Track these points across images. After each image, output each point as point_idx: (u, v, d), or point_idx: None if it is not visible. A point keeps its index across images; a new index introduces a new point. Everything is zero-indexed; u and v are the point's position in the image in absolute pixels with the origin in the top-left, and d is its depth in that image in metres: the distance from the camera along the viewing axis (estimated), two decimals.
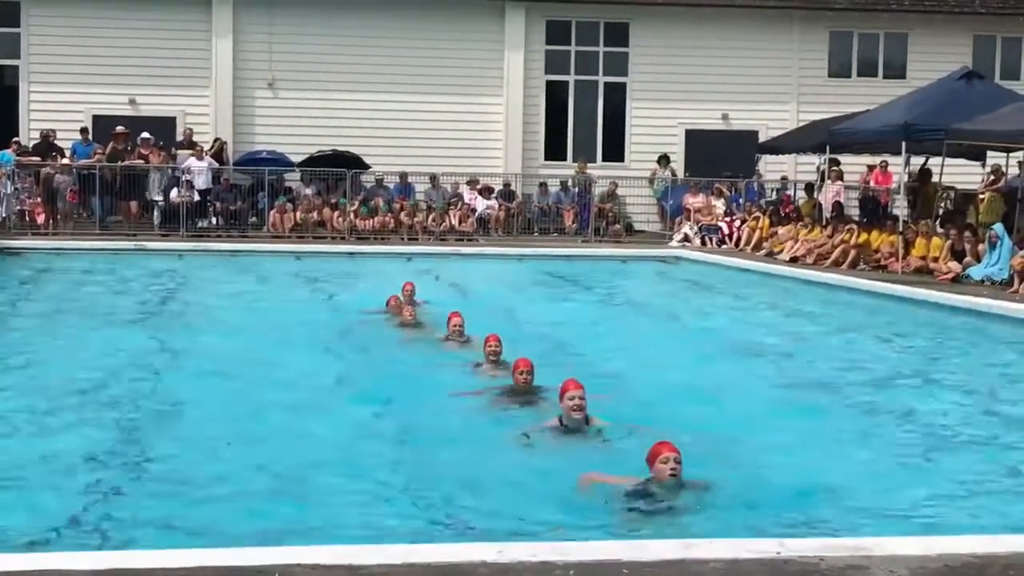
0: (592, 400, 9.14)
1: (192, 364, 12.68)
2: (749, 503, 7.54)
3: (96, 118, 28.34)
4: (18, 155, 26.53)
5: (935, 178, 24.74)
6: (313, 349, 13.71)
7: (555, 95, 30.92)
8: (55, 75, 28.52)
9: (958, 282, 19.97)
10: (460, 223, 27.91)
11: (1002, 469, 8.85)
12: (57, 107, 28.33)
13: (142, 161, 27.05)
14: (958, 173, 25.66)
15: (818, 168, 28.03)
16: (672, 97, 30.60)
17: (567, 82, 30.95)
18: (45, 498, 7.51)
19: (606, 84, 31.05)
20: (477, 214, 28.49)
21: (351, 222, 27.21)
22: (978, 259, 20.43)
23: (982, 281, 19.77)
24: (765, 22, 30.85)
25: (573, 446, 8.82)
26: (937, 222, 23.36)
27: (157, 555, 5.66)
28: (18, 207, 26.14)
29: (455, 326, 13.30)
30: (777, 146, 29.06)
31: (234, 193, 27.78)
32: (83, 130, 27.57)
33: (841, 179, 28.10)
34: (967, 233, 21.17)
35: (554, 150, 30.89)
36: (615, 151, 31.12)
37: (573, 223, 29.27)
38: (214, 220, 27.58)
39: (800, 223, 25.64)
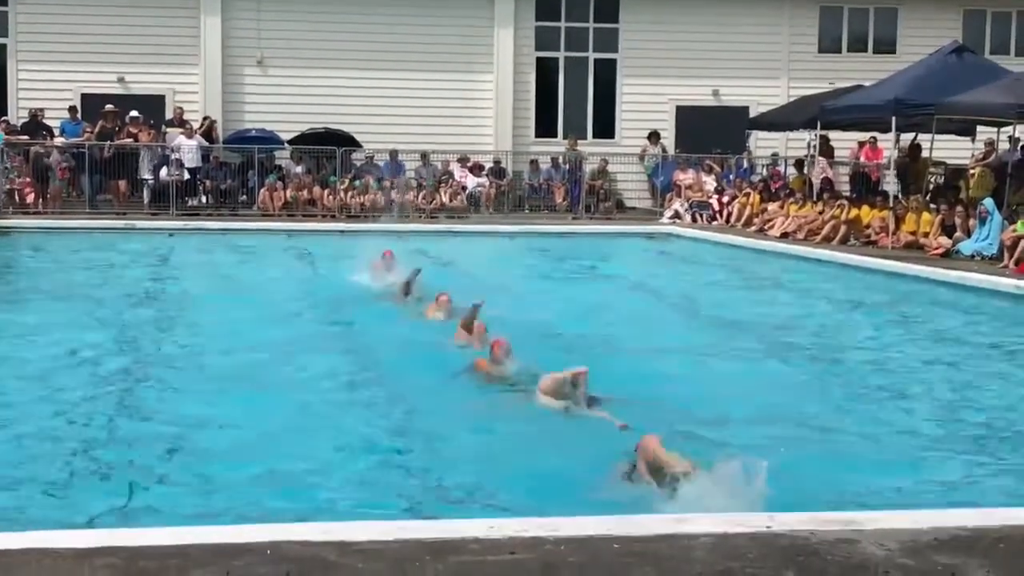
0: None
1: (179, 341, 12.66)
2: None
3: (85, 96, 28.25)
4: (6, 134, 26.43)
5: (925, 153, 24.74)
6: (302, 324, 13.70)
7: (545, 72, 30.83)
8: (43, 53, 28.37)
9: (948, 257, 20.01)
10: (451, 200, 27.88)
11: (992, 443, 8.87)
12: (46, 85, 28.21)
13: (131, 140, 26.97)
14: (948, 148, 25.64)
15: (809, 144, 28.01)
16: (662, 73, 30.54)
17: (557, 59, 30.87)
18: (35, 476, 7.50)
19: (596, 60, 30.97)
20: (468, 191, 28.44)
21: (341, 200, 27.15)
22: (968, 234, 20.46)
23: (972, 256, 19.80)
24: None
25: (566, 422, 8.83)
26: (927, 197, 23.37)
27: (147, 533, 5.66)
28: (7, 186, 26.07)
29: (442, 303, 13.38)
30: (767, 122, 29.03)
31: (224, 171, 27.70)
32: (71, 108, 27.48)
33: (831, 155, 28.11)
34: (957, 208, 21.18)
35: (544, 127, 30.83)
36: (605, 128, 31.07)
37: (564, 200, 29.24)
38: (204, 199, 27.52)
39: (791, 199, 25.64)
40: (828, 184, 26.49)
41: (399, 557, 5.12)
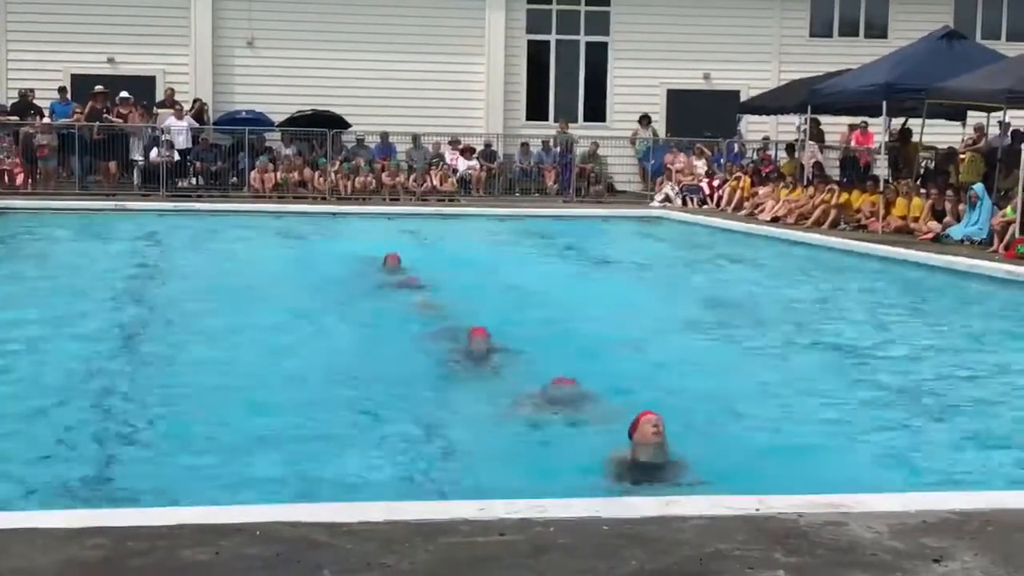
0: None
1: (169, 324, 12.65)
2: (729, 461, 7.56)
3: (75, 77, 28.14)
4: None
5: (916, 138, 24.76)
6: (298, 307, 13.70)
7: (536, 55, 30.77)
8: (33, 34, 28.23)
9: (938, 242, 20.03)
10: (441, 183, 27.84)
11: (980, 426, 8.90)
12: (36, 66, 28.06)
13: (121, 120, 26.89)
14: (939, 133, 25.66)
15: (799, 128, 28.00)
16: (654, 57, 30.48)
17: (548, 42, 30.82)
18: (23, 455, 7.50)
19: (587, 44, 30.92)
20: (458, 174, 28.41)
21: (332, 182, 27.12)
22: (958, 219, 20.49)
23: (962, 241, 19.82)
24: None
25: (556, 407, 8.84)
26: (918, 182, 23.39)
27: (136, 513, 5.68)
28: None
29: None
30: (758, 106, 29.01)
31: (214, 153, 27.65)
32: (61, 89, 27.37)
33: (821, 139, 28.09)
34: (948, 193, 21.20)
35: (535, 110, 30.78)
36: (596, 111, 31.03)
37: (554, 183, 29.23)
38: (194, 180, 27.46)
39: (781, 183, 25.65)
40: (818, 168, 26.49)
41: (389, 538, 5.13)
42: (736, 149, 29.95)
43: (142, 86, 28.18)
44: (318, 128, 27.92)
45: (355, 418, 8.68)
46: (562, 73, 30.94)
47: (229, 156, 27.84)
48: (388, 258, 16.53)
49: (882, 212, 21.92)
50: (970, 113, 24.85)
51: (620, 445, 7.34)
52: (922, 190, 22.19)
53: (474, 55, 29.99)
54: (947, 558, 5.04)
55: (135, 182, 26.97)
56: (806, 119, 26.90)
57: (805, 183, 25.16)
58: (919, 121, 23.55)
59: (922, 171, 24.75)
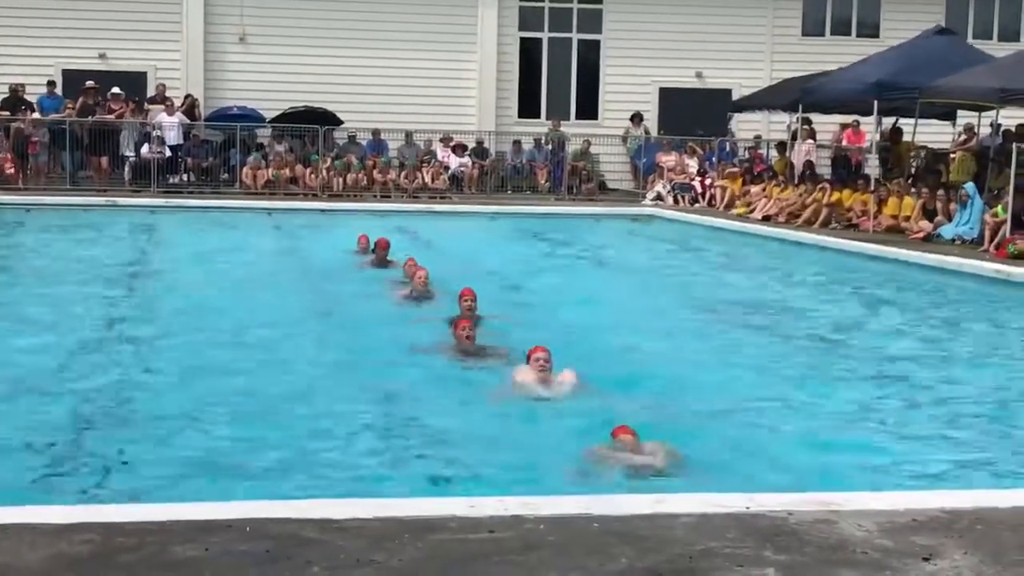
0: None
1: (159, 320, 12.62)
2: (719, 459, 7.56)
3: (66, 72, 28.07)
4: None
5: (907, 137, 24.79)
6: (286, 303, 13.69)
7: (529, 52, 30.78)
8: (24, 28, 28.14)
9: (929, 241, 20.06)
10: (433, 180, 27.81)
11: (970, 425, 8.91)
12: (26, 61, 27.97)
13: (112, 116, 26.84)
14: (930, 132, 25.70)
15: (790, 127, 28.03)
16: (646, 55, 30.48)
17: (541, 39, 30.82)
18: (16, 451, 7.48)
19: (580, 41, 30.93)
20: (450, 171, 28.39)
21: (324, 179, 27.09)
22: (949, 218, 20.52)
23: (953, 240, 19.86)
24: None
25: (541, 404, 8.83)
26: (909, 181, 23.42)
27: (127, 509, 5.67)
28: None
29: (420, 278, 13.46)
30: (750, 104, 29.00)
31: (205, 149, 27.60)
32: (50, 83, 27.28)
33: (813, 138, 28.12)
34: (939, 192, 21.24)
35: (527, 108, 30.78)
36: (589, 109, 31.04)
37: (546, 181, 29.22)
38: (185, 176, 27.41)
39: (773, 182, 25.66)
40: (810, 167, 26.50)
41: (379, 535, 5.13)
42: (728, 147, 29.97)
43: (133, 82, 28.12)
44: (310, 125, 27.88)
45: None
46: (554, 71, 30.95)
47: (220, 152, 27.81)
48: (379, 243, 16.52)
49: (873, 211, 21.95)
50: (960, 113, 24.90)
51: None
52: (913, 189, 22.21)
53: (466, 52, 29.96)
54: (937, 556, 5.05)
55: (126, 178, 26.90)
56: (797, 118, 26.91)
57: (796, 182, 25.18)
58: (910, 120, 23.58)
59: (913, 170, 24.78)
